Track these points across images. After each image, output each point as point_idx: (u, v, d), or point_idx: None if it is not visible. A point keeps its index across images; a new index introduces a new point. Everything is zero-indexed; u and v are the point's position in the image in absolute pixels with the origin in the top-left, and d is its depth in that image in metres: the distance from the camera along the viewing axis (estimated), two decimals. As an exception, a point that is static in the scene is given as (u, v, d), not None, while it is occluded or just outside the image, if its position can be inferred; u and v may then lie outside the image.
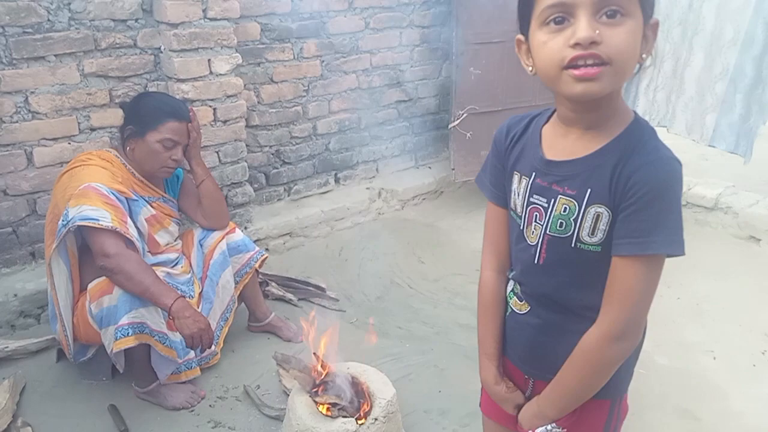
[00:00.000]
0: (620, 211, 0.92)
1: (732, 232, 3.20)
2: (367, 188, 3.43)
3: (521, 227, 1.05)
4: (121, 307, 1.81)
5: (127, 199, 1.93)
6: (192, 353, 2.04)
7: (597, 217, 0.94)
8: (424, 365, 2.25)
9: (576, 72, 0.85)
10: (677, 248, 0.91)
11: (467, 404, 1.97)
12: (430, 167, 3.74)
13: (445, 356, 2.29)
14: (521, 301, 1.11)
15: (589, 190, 0.94)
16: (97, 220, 1.78)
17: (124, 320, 1.80)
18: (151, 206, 2.05)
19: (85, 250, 1.92)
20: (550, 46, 0.88)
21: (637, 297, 0.94)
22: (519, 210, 1.05)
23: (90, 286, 1.88)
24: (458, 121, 3.27)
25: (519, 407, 1.14)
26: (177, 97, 2.51)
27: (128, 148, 1.99)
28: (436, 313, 2.57)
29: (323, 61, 3.10)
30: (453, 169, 3.38)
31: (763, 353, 2.32)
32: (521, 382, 1.15)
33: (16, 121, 2.28)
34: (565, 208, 0.97)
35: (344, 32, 3.12)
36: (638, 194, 0.89)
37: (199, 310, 2.12)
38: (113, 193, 1.87)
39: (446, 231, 3.29)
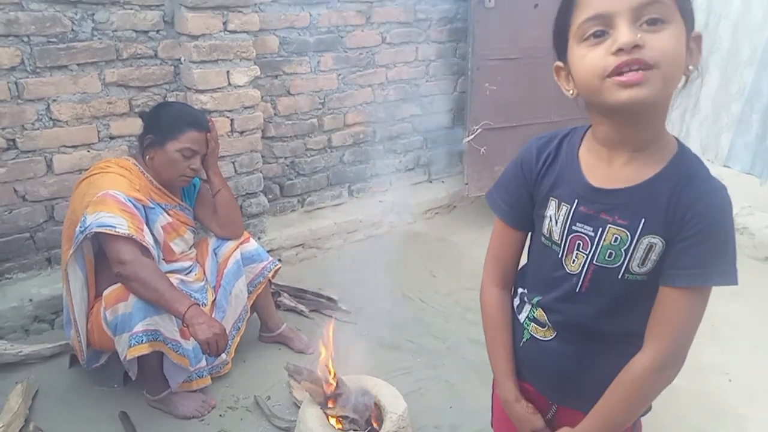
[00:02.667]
0: (677, 242, 0.89)
1: (748, 253, 3.17)
2: (380, 201, 3.44)
3: (560, 255, 1.01)
4: (136, 314, 1.82)
5: (144, 206, 1.95)
6: (204, 361, 2.04)
7: (650, 248, 0.92)
8: (434, 380, 2.23)
9: (621, 78, 0.82)
10: (732, 278, 0.91)
11: (478, 421, 1.95)
12: (443, 182, 3.75)
13: (456, 371, 2.28)
14: (544, 328, 1.07)
15: (643, 220, 0.91)
16: (114, 227, 1.80)
17: (138, 327, 1.81)
18: (168, 214, 2.07)
19: (102, 257, 1.93)
20: (590, 56, 0.85)
21: (687, 326, 0.94)
22: (557, 237, 1.01)
23: (106, 292, 1.89)
24: (473, 136, 3.28)
25: (535, 430, 1.11)
26: (196, 107, 2.54)
27: (147, 156, 2.01)
28: (448, 327, 2.56)
29: (340, 75, 3.12)
30: (466, 184, 3.38)
31: (780, 377, 2.28)
32: (544, 406, 1.13)
33: (38, 129, 2.32)
34: (616, 238, 0.94)
35: (361, 46, 3.15)
36: (699, 226, 0.88)
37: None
38: (131, 201, 1.89)
39: (458, 245, 3.28)
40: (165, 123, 2.00)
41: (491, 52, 3.17)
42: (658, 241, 0.91)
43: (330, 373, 1.80)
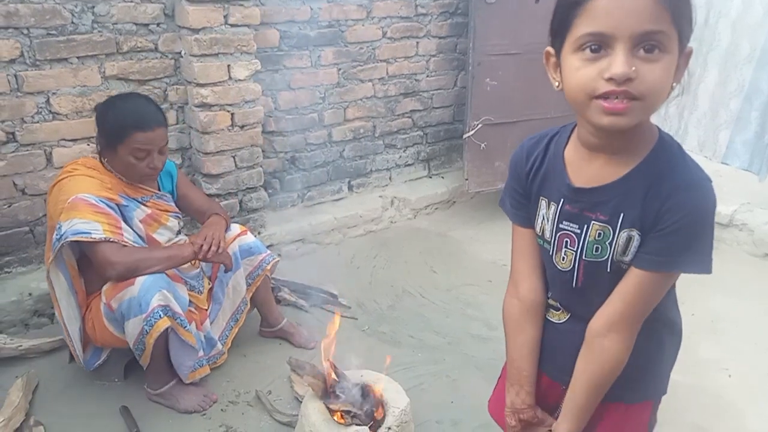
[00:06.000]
0: (653, 232, 0.92)
1: (747, 249, 3.18)
2: (380, 196, 3.43)
3: (550, 253, 1.05)
4: (146, 294, 1.81)
5: (117, 205, 1.91)
6: (201, 351, 2.03)
7: (629, 240, 0.95)
8: (436, 375, 2.24)
9: (605, 104, 0.84)
10: (705, 267, 0.92)
11: (479, 415, 1.94)
12: (443, 177, 3.74)
13: (457, 367, 2.28)
14: (558, 311, 1.11)
15: (622, 215, 0.94)
16: (89, 233, 1.78)
17: (154, 303, 1.81)
18: (146, 206, 2.02)
19: (86, 259, 1.91)
20: (583, 73, 0.86)
21: (639, 299, 0.96)
22: (548, 235, 1.05)
23: (105, 287, 1.87)
24: (473, 131, 3.28)
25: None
26: (196, 101, 2.53)
27: (105, 160, 1.95)
28: (448, 323, 2.57)
29: (340, 69, 3.11)
30: (466, 180, 3.38)
31: (779, 372, 2.29)
32: (558, 394, 1.14)
33: (37, 122, 2.31)
34: (599, 233, 0.97)
35: (362, 41, 3.14)
36: (674, 218, 0.90)
37: (207, 309, 2.14)
38: (103, 201, 1.85)
39: (458, 241, 3.28)
40: (109, 126, 1.90)
41: (492, 47, 3.16)
42: (635, 234, 0.94)
43: (332, 367, 1.80)
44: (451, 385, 2.19)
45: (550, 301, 1.12)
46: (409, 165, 3.63)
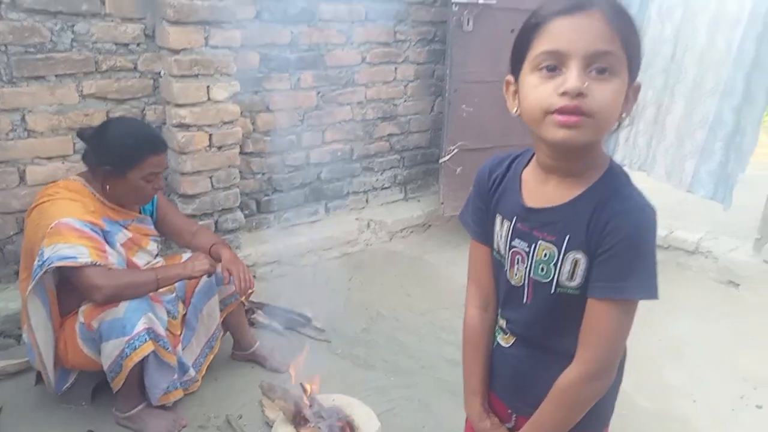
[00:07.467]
0: (597, 256, 0.96)
1: (712, 276, 3.27)
2: (356, 219, 3.46)
3: (505, 268, 1.09)
4: (132, 316, 1.80)
5: (101, 229, 1.90)
6: (175, 374, 2.00)
7: (575, 263, 0.98)
8: (408, 399, 2.24)
9: (559, 117, 0.89)
10: (650, 293, 0.95)
11: (451, 440, 1.96)
12: (419, 200, 3.79)
13: (430, 391, 2.29)
14: (506, 335, 1.14)
15: (567, 237, 0.98)
16: (75, 258, 1.76)
17: (139, 327, 1.79)
18: (127, 229, 2.02)
19: (63, 281, 1.88)
20: (540, 90, 0.92)
21: (611, 339, 0.98)
22: (502, 251, 1.09)
23: (84, 307, 1.85)
24: (449, 156, 3.33)
25: None
26: (174, 121, 2.54)
27: (107, 187, 1.94)
28: (422, 347, 2.58)
29: (319, 92, 3.15)
30: (442, 203, 3.43)
31: (741, 398, 2.35)
32: (505, 416, 1.18)
33: (12, 139, 2.28)
34: (546, 253, 1.01)
35: (341, 65, 3.19)
36: (613, 241, 0.93)
37: (180, 335, 2.12)
38: (87, 226, 1.84)
39: (434, 265, 3.31)
40: (122, 152, 1.89)
41: (468, 74, 3.24)
42: (582, 257, 0.97)
43: (304, 391, 1.80)
44: (424, 409, 2.20)
45: (500, 323, 1.16)
46: (385, 188, 3.67)
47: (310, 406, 1.78)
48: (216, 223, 2.82)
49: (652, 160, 3.50)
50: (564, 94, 0.88)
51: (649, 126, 3.45)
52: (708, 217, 3.60)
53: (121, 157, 1.90)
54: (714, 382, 2.43)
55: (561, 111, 0.89)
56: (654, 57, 3.38)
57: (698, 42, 3.22)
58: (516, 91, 0.99)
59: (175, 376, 2.01)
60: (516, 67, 0.98)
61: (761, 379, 2.45)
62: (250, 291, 2.11)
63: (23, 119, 2.29)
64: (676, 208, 3.73)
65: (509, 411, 1.16)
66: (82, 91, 2.39)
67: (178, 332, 2.13)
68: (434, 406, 2.21)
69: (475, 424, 1.19)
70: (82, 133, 1.99)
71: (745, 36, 3.01)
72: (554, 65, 0.90)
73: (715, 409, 2.28)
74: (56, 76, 2.31)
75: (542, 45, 0.91)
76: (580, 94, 0.88)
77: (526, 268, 1.03)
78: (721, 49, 3.13)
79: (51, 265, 1.74)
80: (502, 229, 1.08)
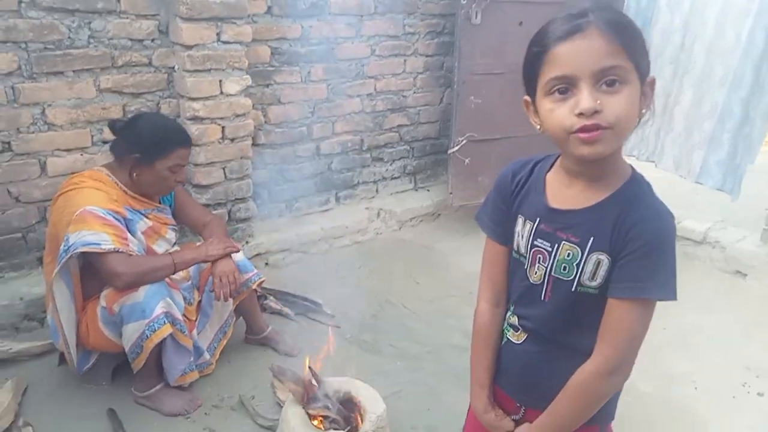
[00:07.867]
0: (619, 258, 1.00)
1: (719, 266, 3.29)
2: (366, 208, 3.52)
3: (525, 267, 1.13)
4: (150, 300, 1.89)
5: (123, 218, 1.99)
6: (191, 356, 2.10)
7: (598, 264, 1.02)
8: (414, 383, 2.31)
9: (582, 135, 0.94)
10: (670, 294, 1.00)
11: (454, 423, 2.01)
12: (428, 190, 3.84)
13: (436, 376, 2.36)
14: (517, 332, 1.18)
15: (591, 239, 1.02)
16: (99, 244, 1.84)
17: (158, 311, 1.88)
18: (147, 218, 2.11)
19: (87, 266, 1.98)
20: (557, 114, 0.96)
21: (630, 336, 1.02)
22: (523, 251, 1.13)
23: (105, 292, 1.94)
24: (457, 147, 3.38)
25: None
26: (188, 114, 2.62)
27: (134, 174, 2.03)
28: (429, 333, 2.64)
29: (329, 85, 3.21)
30: (451, 194, 3.48)
31: (743, 386, 2.39)
32: (512, 409, 1.22)
33: (33, 132, 2.38)
34: (569, 253, 1.05)
35: (351, 58, 3.24)
36: (636, 245, 0.98)
37: (195, 321, 2.21)
38: (110, 214, 1.92)
39: (442, 253, 3.37)
40: (152, 142, 2.00)
41: (477, 66, 3.27)
42: (604, 258, 1.02)
43: (313, 374, 1.87)
44: (429, 393, 2.26)
45: (511, 320, 1.20)
46: (395, 178, 3.72)
47: (319, 388, 1.85)
48: (229, 212, 2.90)
49: (661, 150, 3.51)
50: (580, 114, 0.93)
51: (658, 116, 3.45)
52: (717, 207, 3.60)
53: (152, 146, 2.00)
54: (717, 370, 2.46)
55: (582, 130, 0.93)
56: (664, 47, 3.38)
57: (707, 32, 3.22)
58: (535, 110, 1.03)
59: (191, 358, 2.10)
60: (530, 89, 1.02)
61: (764, 368, 2.48)
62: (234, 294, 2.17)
63: (43, 113, 2.38)
64: (684, 198, 3.74)
65: (518, 405, 1.20)
66: (99, 85, 2.47)
67: (194, 317, 2.22)
68: (439, 390, 2.27)
69: (480, 416, 1.24)
70: (113, 125, 2.08)
71: (754, 26, 3.00)
72: (565, 88, 0.95)
73: (717, 396, 2.31)
74: (74, 71, 2.40)
75: (550, 72, 0.96)
76: (595, 112, 0.92)
77: (546, 266, 1.08)
78: (730, 40, 3.12)
79: (76, 251, 1.83)
80: (524, 229, 1.12)
